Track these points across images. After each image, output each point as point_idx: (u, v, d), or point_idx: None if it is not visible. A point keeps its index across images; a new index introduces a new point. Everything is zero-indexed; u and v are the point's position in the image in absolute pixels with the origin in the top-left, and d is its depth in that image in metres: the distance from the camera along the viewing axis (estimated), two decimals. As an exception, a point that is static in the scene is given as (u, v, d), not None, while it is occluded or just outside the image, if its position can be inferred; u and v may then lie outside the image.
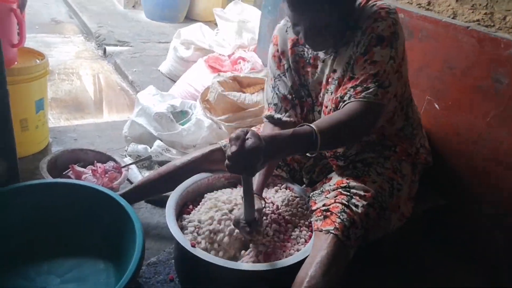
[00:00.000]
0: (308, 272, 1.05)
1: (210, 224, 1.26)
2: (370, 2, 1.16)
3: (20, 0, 1.72)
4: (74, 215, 1.32)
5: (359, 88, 1.10)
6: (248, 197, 1.12)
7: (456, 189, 1.58)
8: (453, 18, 1.62)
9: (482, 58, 1.45)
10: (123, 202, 1.26)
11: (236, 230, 1.22)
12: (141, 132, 2.01)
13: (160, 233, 1.59)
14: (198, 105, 2.11)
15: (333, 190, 1.23)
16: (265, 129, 1.43)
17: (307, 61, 1.31)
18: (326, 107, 1.27)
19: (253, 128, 1.55)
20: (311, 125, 1.02)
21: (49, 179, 1.52)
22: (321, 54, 1.26)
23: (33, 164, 1.79)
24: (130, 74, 3.12)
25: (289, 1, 1.08)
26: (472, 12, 1.58)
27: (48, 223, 1.31)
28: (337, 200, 1.17)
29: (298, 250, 1.22)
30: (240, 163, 0.92)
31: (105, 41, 3.78)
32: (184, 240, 1.19)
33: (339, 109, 1.14)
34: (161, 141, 1.95)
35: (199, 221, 1.28)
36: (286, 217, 1.31)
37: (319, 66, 1.28)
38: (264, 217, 1.28)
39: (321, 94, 1.30)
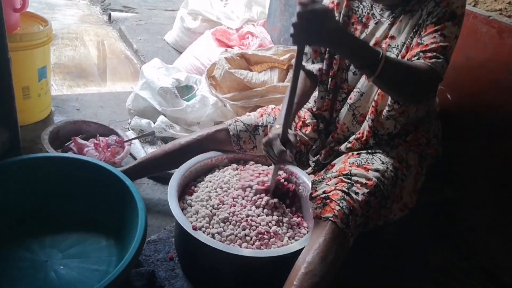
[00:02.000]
0: (306, 259, 1.05)
1: (208, 207, 1.26)
2: None
3: (24, -38, 1.65)
4: (77, 190, 1.31)
5: (429, 54, 1.09)
6: (287, 114, 1.13)
7: (464, 182, 1.57)
8: (474, 5, 1.56)
9: (501, 50, 1.40)
10: (126, 180, 1.25)
11: (231, 219, 1.23)
12: (144, 106, 1.98)
13: (161, 210, 1.59)
14: (204, 81, 2.06)
15: (334, 177, 1.21)
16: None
17: (360, 18, 1.29)
18: None
19: (260, 109, 1.53)
20: (379, 49, 1.06)
21: (52, 153, 1.50)
22: (377, 15, 1.25)
23: (34, 133, 1.77)
24: (135, 43, 3.05)
25: None
26: (495, 0, 1.51)
27: (52, 197, 1.30)
28: (337, 188, 1.16)
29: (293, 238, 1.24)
30: (306, 26, 0.95)
31: (110, 6, 3.68)
32: (186, 223, 1.18)
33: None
34: (165, 116, 1.92)
35: (200, 203, 1.28)
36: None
37: (370, 27, 1.26)
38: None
39: None
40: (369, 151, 1.28)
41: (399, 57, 1.19)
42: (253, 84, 1.95)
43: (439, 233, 1.67)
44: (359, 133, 1.31)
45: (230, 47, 2.48)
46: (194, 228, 1.17)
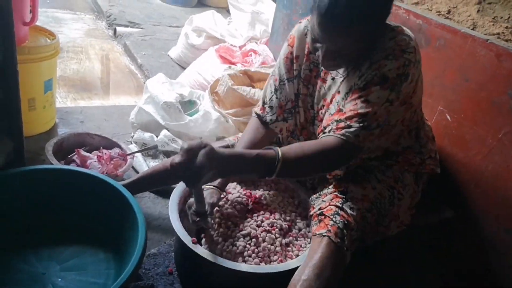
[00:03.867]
0: (301, 276, 1.04)
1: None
2: (392, 33, 1.09)
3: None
4: (76, 203, 1.32)
5: (341, 124, 1.06)
6: (197, 192, 1.12)
7: (463, 202, 1.58)
8: (472, 29, 1.59)
9: (499, 73, 1.42)
10: (126, 193, 1.25)
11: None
12: (148, 119, 2.00)
13: (162, 224, 1.60)
14: (207, 96, 2.09)
15: (330, 193, 1.22)
16: (250, 124, 1.41)
17: (319, 72, 1.27)
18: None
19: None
20: (277, 150, 1.01)
21: (54, 165, 1.51)
22: (333, 72, 1.22)
23: (38, 144, 1.79)
24: (140, 58, 3.10)
25: (324, 20, 0.98)
26: (493, 24, 1.55)
27: (51, 209, 1.31)
28: (331, 203, 1.16)
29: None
30: (181, 175, 0.93)
31: (116, 21, 3.75)
32: (186, 237, 1.19)
33: (318, 138, 1.13)
34: (168, 130, 1.94)
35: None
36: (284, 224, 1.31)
37: (328, 83, 1.24)
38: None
39: (323, 111, 1.28)
40: (366, 168, 1.29)
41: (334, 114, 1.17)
42: (255, 100, 1.98)
43: (437, 253, 1.67)
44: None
45: (233, 64, 2.52)
46: (194, 242, 1.18)
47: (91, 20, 3.94)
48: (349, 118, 1.06)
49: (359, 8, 0.96)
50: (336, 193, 1.20)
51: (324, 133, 1.10)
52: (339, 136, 1.05)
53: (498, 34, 1.52)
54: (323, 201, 1.21)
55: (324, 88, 1.25)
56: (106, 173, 1.58)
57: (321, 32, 1.01)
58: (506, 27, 1.51)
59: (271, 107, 1.35)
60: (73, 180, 1.33)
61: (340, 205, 1.14)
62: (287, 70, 1.32)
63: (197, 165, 0.90)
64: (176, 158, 0.92)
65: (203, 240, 1.24)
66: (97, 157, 1.64)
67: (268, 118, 1.36)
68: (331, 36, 1.02)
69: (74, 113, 2.19)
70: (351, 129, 1.05)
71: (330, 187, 1.26)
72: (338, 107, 1.15)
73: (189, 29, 2.98)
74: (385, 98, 1.05)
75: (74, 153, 1.65)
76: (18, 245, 1.24)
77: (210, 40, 2.90)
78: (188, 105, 2.13)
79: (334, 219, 1.11)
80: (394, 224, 1.24)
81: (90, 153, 1.68)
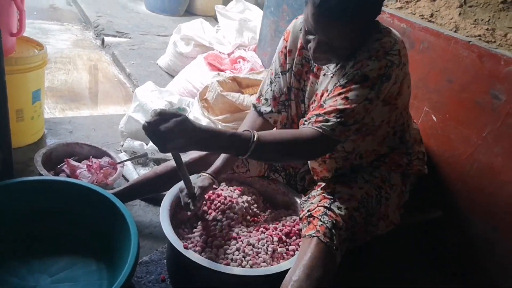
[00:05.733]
0: (292, 277, 1.05)
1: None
2: (378, 35, 1.12)
3: (21, -11, 1.70)
4: (67, 213, 1.31)
5: (320, 118, 1.10)
6: (181, 172, 1.16)
7: (450, 201, 1.60)
8: (455, 31, 1.63)
9: (482, 74, 1.46)
10: (117, 202, 1.25)
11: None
12: (137, 128, 2.00)
13: (153, 231, 1.59)
14: (196, 103, 2.10)
15: (318, 195, 1.24)
16: (248, 116, 1.46)
17: (312, 68, 1.30)
18: None
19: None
20: (254, 132, 1.04)
21: (43, 176, 1.50)
22: (324, 66, 1.25)
23: (27, 155, 1.78)
24: (128, 67, 3.10)
25: (318, 11, 1.02)
26: (474, 27, 1.59)
27: (41, 220, 1.30)
28: (319, 204, 1.18)
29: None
30: (150, 138, 0.94)
31: (104, 31, 3.75)
32: (177, 242, 1.19)
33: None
34: (158, 138, 1.94)
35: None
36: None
37: (320, 78, 1.27)
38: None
39: (314, 106, 1.30)
40: (353, 169, 1.31)
41: None
42: (244, 106, 1.99)
43: (427, 252, 1.69)
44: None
45: (222, 71, 2.54)
46: (186, 247, 1.18)
47: (78, 30, 3.94)
48: (328, 113, 1.09)
49: (351, 5, 1.00)
50: (324, 194, 1.22)
51: (304, 125, 1.14)
52: (315, 128, 1.09)
53: (479, 36, 1.56)
54: (312, 203, 1.22)
55: (317, 83, 1.28)
56: (96, 182, 1.58)
57: (314, 23, 1.05)
58: (487, 29, 1.55)
59: (266, 99, 1.40)
60: (63, 191, 1.32)
61: (328, 206, 1.16)
62: (281, 64, 1.36)
63: (162, 129, 0.91)
64: (146, 119, 0.94)
65: (199, 227, 1.27)
66: (86, 167, 1.63)
67: (263, 109, 1.40)
68: (324, 27, 1.05)
69: (63, 124, 2.18)
70: (328, 123, 1.08)
71: (319, 189, 1.28)
72: (320, 103, 1.18)
73: (177, 37, 2.99)
74: (364, 97, 1.08)
75: (63, 163, 1.64)
76: (8, 258, 1.23)
77: (199, 48, 2.92)
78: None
79: (322, 219, 1.13)
80: (382, 224, 1.26)
81: (80, 162, 1.68)
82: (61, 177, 1.53)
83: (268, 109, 1.39)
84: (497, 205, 1.47)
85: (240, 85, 2.18)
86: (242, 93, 2.12)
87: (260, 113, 1.41)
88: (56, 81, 2.81)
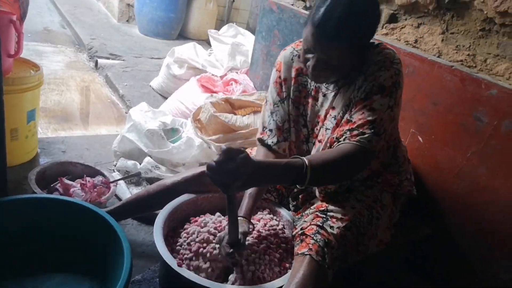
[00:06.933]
0: None
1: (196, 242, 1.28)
2: (377, 49, 1.20)
3: (21, 12, 1.74)
4: (60, 231, 1.30)
5: (355, 132, 1.14)
6: (232, 216, 1.13)
7: (439, 220, 1.64)
8: (438, 56, 1.71)
9: (465, 97, 1.53)
10: (111, 220, 1.26)
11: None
12: (131, 147, 2.02)
13: (146, 250, 1.59)
14: (189, 124, 2.14)
15: (311, 213, 1.26)
16: (258, 152, 1.45)
17: (309, 92, 1.34)
18: (320, 141, 1.31)
19: (247, 150, 1.59)
20: (303, 159, 1.06)
21: (36, 194, 1.50)
22: (323, 88, 1.30)
23: (20, 174, 1.78)
24: (121, 88, 3.14)
25: (317, 31, 1.08)
26: (456, 52, 1.67)
27: (33, 239, 1.29)
28: (312, 223, 1.20)
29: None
30: (217, 178, 0.95)
31: (97, 53, 3.80)
32: (171, 259, 1.19)
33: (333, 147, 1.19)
34: (151, 157, 1.96)
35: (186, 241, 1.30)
36: (271, 244, 1.33)
37: (320, 100, 1.32)
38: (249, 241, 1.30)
39: (318, 128, 1.34)
40: (347, 189, 1.34)
41: (331, 128, 1.25)
42: (237, 127, 2.03)
43: (418, 270, 1.71)
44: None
45: (215, 92, 2.59)
46: (179, 265, 1.19)
47: (72, 52, 3.99)
48: (360, 126, 1.14)
49: (348, 26, 1.07)
50: (317, 213, 1.24)
51: (339, 142, 1.17)
52: (355, 142, 1.12)
53: (461, 61, 1.64)
54: (305, 221, 1.25)
55: (316, 105, 1.33)
56: (90, 200, 1.59)
57: (313, 42, 1.11)
58: (468, 55, 1.63)
59: (270, 129, 1.41)
60: (56, 209, 1.32)
61: (321, 224, 1.19)
62: (277, 93, 1.40)
63: (230, 167, 0.92)
64: (215, 158, 0.94)
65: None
66: (80, 185, 1.64)
67: (269, 141, 1.41)
68: (323, 47, 1.11)
69: (56, 143, 2.19)
70: (365, 136, 1.13)
71: (312, 207, 1.30)
72: (337, 122, 1.23)
73: (171, 60, 3.06)
74: (387, 105, 1.15)
75: (57, 182, 1.65)
76: (0, 277, 1.22)
77: (192, 70, 2.98)
78: (170, 132, 2.16)
79: (315, 237, 1.15)
80: (373, 243, 1.28)
81: (73, 181, 1.69)
82: (55, 195, 1.53)
83: (275, 140, 1.40)
84: (484, 223, 1.51)
85: (232, 106, 2.22)
86: (235, 114, 2.16)
87: (268, 146, 1.41)
88: (49, 101, 2.83)
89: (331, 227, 1.18)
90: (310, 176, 1.04)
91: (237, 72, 2.90)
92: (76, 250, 1.31)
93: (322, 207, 1.26)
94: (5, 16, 1.60)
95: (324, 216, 1.22)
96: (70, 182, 1.65)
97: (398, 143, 1.39)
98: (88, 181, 1.66)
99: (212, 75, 2.83)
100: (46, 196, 1.45)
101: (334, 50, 1.11)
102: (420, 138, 1.70)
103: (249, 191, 1.32)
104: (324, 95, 1.30)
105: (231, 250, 1.16)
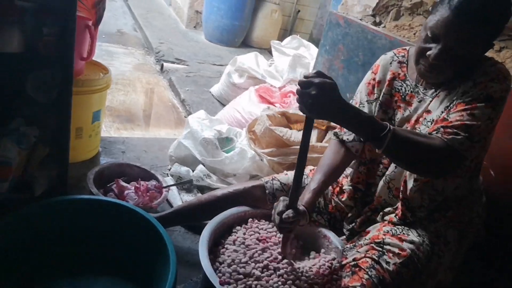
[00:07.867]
0: None
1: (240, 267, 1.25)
2: (490, 61, 1.16)
3: (97, 16, 1.84)
4: (110, 234, 1.33)
5: (449, 130, 1.08)
6: (302, 156, 1.13)
7: (510, 266, 1.48)
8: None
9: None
10: (161, 229, 1.26)
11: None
12: (186, 154, 2.05)
13: (190, 260, 1.59)
14: (244, 134, 2.13)
15: (366, 244, 1.19)
16: (329, 146, 1.44)
17: (403, 96, 1.30)
18: None
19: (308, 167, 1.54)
20: (389, 124, 1.05)
21: (90, 195, 1.54)
22: (421, 92, 1.25)
23: (80, 171, 1.87)
24: (183, 93, 3.23)
25: (454, 13, 1.04)
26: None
27: (83, 240, 1.32)
28: (367, 255, 1.14)
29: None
30: (305, 88, 0.99)
31: (164, 57, 3.95)
32: (214, 276, 1.18)
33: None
34: (204, 166, 1.98)
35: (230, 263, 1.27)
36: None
37: (414, 105, 1.27)
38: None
39: None
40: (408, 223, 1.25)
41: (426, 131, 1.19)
42: (291, 141, 1.99)
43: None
44: (394, 208, 1.29)
45: (272, 103, 2.56)
46: (222, 284, 1.16)
47: (141, 55, 4.18)
48: (455, 126, 1.08)
49: (491, 11, 1.03)
50: (373, 244, 1.17)
51: (431, 134, 1.12)
52: (445, 139, 1.07)
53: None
54: (358, 251, 1.18)
55: (409, 110, 1.28)
56: (142, 204, 1.62)
57: (444, 27, 1.07)
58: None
59: None
60: (108, 212, 1.34)
61: (377, 258, 1.12)
62: (367, 94, 1.38)
63: (317, 81, 0.98)
64: (304, 76, 1.02)
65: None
66: (134, 188, 1.68)
67: (345, 137, 1.39)
68: (457, 31, 1.06)
69: (117, 143, 2.29)
70: (458, 137, 1.07)
71: (367, 237, 1.23)
72: (435, 121, 1.17)
73: (232, 68, 3.09)
74: (488, 116, 1.09)
75: (113, 183, 1.71)
76: (50, 275, 1.26)
77: (251, 79, 2.99)
78: (225, 141, 2.17)
79: (369, 272, 1.09)
80: (431, 283, 1.18)
81: (129, 183, 1.74)
82: (108, 198, 1.56)
83: (351, 137, 1.38)
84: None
85: (289, 120, 2.18)
86: (290, 128, 2.12)
87: (342, 142, 1.40)
88: (115, 101, 2.97)
89: (387, 262, 1.11)
90: (390, 140, 1.02)
91: (296, 85, 2.85)
92: (124, 254, 1.33)
93: (379, 238, 1.18)
94: (81, 21, 1.68)
95: (381, 249, 1.14)
96: (125, 184, 1.70)
97: (478, 173, 1.29)
98: (142, 185, 1.70)
99: (271, 85, 2.81)
100: (100, 198, 1.48)
101: (467, 36, 1.06)
102: (492, 172, 1.54)
103: (313, 186, 1.31)
104: (420, 101, 1.25)
105: (292, 213, 1.17)
